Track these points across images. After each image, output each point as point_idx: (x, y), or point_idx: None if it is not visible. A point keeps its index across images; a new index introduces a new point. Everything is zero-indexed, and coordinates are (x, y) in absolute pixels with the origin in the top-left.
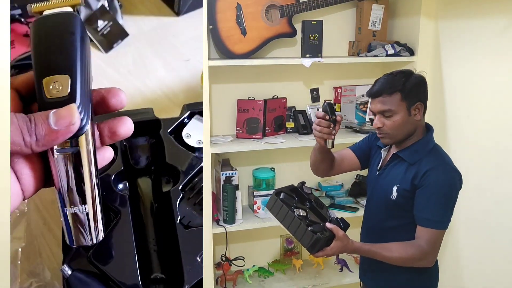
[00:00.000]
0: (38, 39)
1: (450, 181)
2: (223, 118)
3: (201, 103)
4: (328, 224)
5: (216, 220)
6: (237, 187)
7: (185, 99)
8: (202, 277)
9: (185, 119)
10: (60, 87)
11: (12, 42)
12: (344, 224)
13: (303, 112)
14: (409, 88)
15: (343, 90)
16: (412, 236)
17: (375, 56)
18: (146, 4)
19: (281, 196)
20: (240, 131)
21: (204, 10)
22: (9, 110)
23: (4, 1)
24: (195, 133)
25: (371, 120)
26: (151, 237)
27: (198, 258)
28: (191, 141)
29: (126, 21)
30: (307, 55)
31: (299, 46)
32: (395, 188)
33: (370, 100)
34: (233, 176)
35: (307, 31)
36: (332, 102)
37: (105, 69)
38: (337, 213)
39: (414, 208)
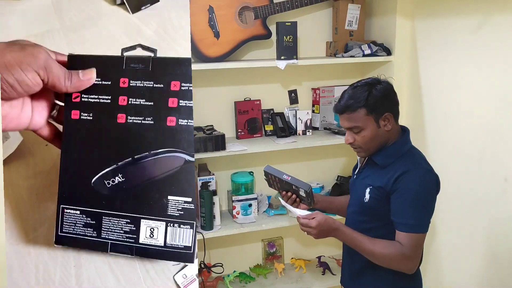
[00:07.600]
0: None
1: (425, 183)
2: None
3: None
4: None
5: None
6: (214, 193)
7: None
8: None
9: None
10: None
11: None
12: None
13: (281, 115)
14: (373, 102)
15: (322, 91)
16: (387, 238)
17: (351, 56)
18: None
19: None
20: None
21: None
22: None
23: None
24: None
25: None
26: None
27: None
28: None
29: None
30: (282, 57)
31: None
32: (367, 191)
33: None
34: (210, 182)
35: (282, 32)
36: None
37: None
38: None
39: (391, 213)
